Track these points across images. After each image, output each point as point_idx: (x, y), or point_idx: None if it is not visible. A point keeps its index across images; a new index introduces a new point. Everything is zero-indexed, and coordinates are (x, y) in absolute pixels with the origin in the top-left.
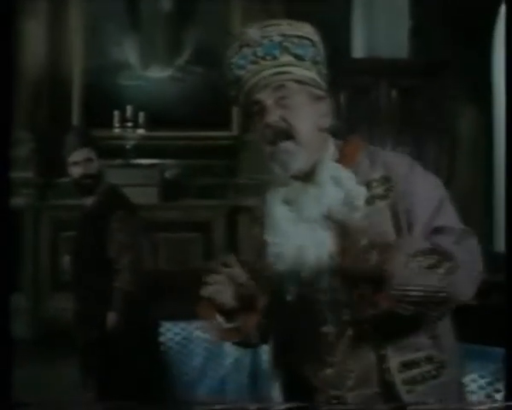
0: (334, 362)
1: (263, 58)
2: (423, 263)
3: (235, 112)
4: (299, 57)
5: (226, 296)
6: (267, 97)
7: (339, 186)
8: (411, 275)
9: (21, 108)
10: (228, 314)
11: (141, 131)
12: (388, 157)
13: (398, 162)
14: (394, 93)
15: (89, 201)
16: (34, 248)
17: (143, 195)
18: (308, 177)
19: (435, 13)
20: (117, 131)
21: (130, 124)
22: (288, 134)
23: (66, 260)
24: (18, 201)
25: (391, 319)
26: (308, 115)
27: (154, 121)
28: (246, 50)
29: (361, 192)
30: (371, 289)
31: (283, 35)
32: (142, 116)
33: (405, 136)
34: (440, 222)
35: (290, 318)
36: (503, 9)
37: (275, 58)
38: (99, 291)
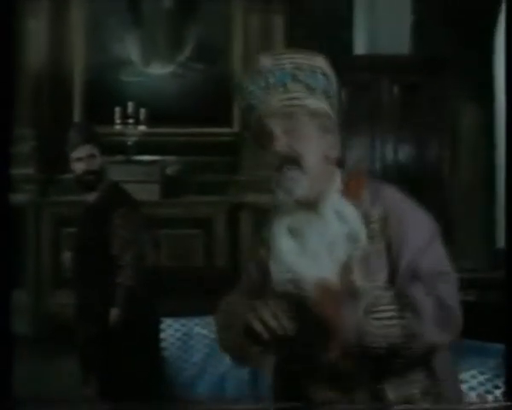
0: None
1: (274, 86)
2: (385, 314)
3: (237, 108)
4: (309, 87)
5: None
6: (276, 125)
7: (343, 221)
8: (367, 328)
9: (23, 104)
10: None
11: (142, 128)
12: (387, 195)
13: (395, 201)
14: (396, 90)
15: (91, 197)
16: (36, 245)
17: (144, 191)
18: (313, 207)
19: (437, 10)
20: (118, 127)
21: (131, 120)
22: (294, 161)
23: (67, 256)
24: (20, 197)
25: (382, 356)
26: (315, 146)
27: (156, 118)
28: (258, 78)
29: (363, 230)
30: (325, 336)
31: (295, 64)
32: (143, 113)
33: (406, 133)
34: (422, 266)
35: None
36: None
37: (285, 87)
38: (101, 287)
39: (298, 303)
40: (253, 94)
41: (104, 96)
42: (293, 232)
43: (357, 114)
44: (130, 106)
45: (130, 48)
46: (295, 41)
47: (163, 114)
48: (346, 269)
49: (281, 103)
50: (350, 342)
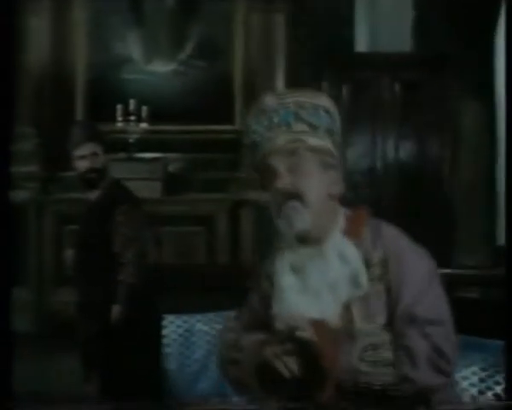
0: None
1: (278, 125)
2: (380, 356)
3: (238, 106)
4: (312, 126)
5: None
6: (279, 163)
7: (345, 263)
8: (362, 369)
9: (25, 102)
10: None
11: (144, 125)
12: (386, 234)
13: (395, 242)
14: (396, 88)
15: (93, 195)
16: (38, 243)
17: (146, 188)
18: (315, 244)
19: (438, 7)
20: (120, 125)
21: (133, 118)
22: (296, 197)
23: (69, 254)
24: (22, 195)
25: (376, 396)
26: (318, 182)
27: (158, 115)
28: (262, 117)
29: (364, 273)
30: (321, 375)
31: (299, 104)
32: (145, 110)
33: (407, 131)
34: (419, 311)
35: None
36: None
37: (289, 126)
38: (103, 285)
39: (298, 342)
40: (257, 133)
41: (106, 94)
42: (296, 269)
43: (357, 111)
44: (132, 103)
45: (131, 46)
46: (296, 40)
47: (165, 111)
48: (345, 310)
49: (284, 142)
50: (345, 382)
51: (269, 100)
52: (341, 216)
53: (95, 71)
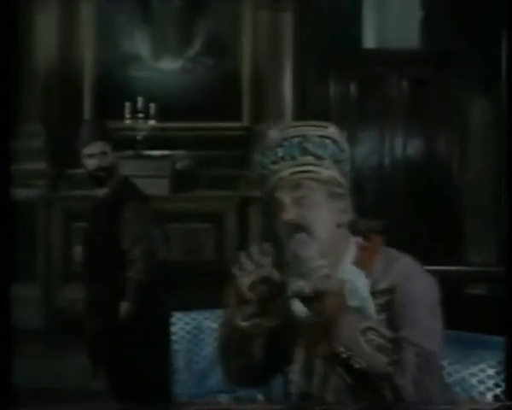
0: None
1: (282, 158)
2: (374, 342)
3: (246, 103)
4: (318, 157)
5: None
6: (285, 196)
7: (354, 295)
8: (357, 343)
9: (33, 100)
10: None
11: (152, 123)
12: (398, 269)
13: (405, 274)
14: (404, 84)
15: (101, 192)
16: (46, 239)
17: (155, 186)
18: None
19: (445, 5)
20: (128, 122)
21: (141, 115)
22: (302, 229)
23: (78, 250)
24: (30, 192)
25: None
26: (325, 213)
27: (165, 112)
28: (267, 151)
29: (372, 305)
30: (317, 332)
31: (303, 136)
32: (153, 107)
33: (415, 127)
34: (416, 338)
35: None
36: None
37: (294, 158)
38: (111, 281)
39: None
40: (264, 166)
41: (114, 92)
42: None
43: (365, 108)
44: (140, 101)
45: (139, 43)
46: (303, 38)
47: (173, 108)
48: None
49: (290, 174)
50: (339, 347)
51: (273, 133)
52: (352, 245)
53: (102, 68)
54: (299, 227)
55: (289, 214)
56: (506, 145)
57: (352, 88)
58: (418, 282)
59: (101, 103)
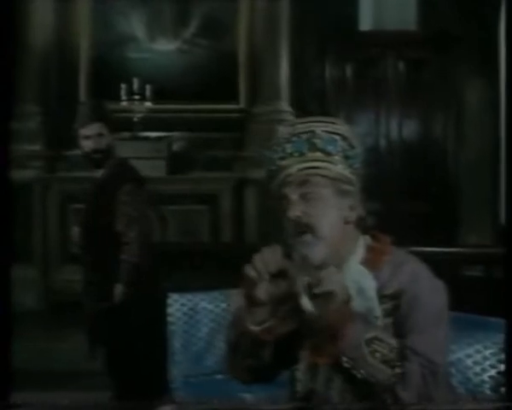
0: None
1: (291, 154)
2: (379, 353)
3: (242, 84)
4: (327, 153)
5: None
6: (292, 192)
7: (361, 296)
8: (361, 354)
9: (30, 81)
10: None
11: (148, 104)
12: (406, 270)
13: (413, 278)
14: (401, 65)
15: (98, 173)
16: (43, 221)
17: (151, 167)
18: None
19: None
20: (124, 104)
21: (137, 97)
22: (308, 227)
23: (75, 231)
24: (27, 173)
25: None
26: (332, 209)
27: (162, 94)
28: (276, 147)
29: (378, 308)
30: (322, 340)
31: (312, 132)
32: (149, 89)
33: (412, 108)
34: (422, 347)
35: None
36: None
37: (302, 154)
38: (106, 263)
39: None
40: (272, 162)
41: (110, 73)
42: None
43: (362, 90)
44: (136, 82)
45: (135, 24)
46: (301, 19)
47: (169, 90)
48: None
49: (298, 170)
50: (345, 355)
51: (282, 130)
52: (361, 245)
53: (99, 50)
54: (305, 226)
55: (296, 211)
56: (506, 127)
57: (349, 69)
58: (426, 286)
59: (98, 85)
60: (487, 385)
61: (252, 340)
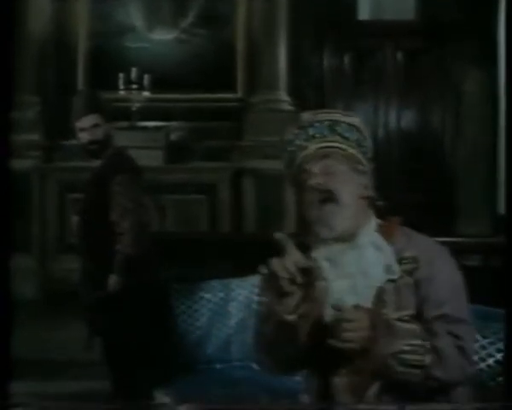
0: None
1: (313, 136)
2: (408, 361)
3: (240, 74)
4: (345, 138)
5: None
6: (314, 165)
7: (379, 251)
8: (388, 367)
9: (27, 71)
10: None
11: (146, 94)
12: (421, 242)
13: (427, 246)
14: (400, 56)
15: (96, 163)
16: (41, 210)
17: (149, 157)
18: (349, 240)
19: None
20: (122, 93)
21: (135, 86)
22: (331, 197)
23: (74, 220)
24: (25, 163)
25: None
26: (350, 183)
27: (160, 83)
28: (299, 131)
29: (396, 265)
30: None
31: (333, 120)
32: (147, 78)
33: (410, 99)
34: (448, 308)
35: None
36: None
37: (324, 136)
38: (103, 253)
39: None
40: (293, 144)
41: (108, 62)
42: (329, 259)
43: (360, 80)
44: (134, 72)
45: (134, 14)
46: (298, 9)
47: (167, 79)
48: (379, 300)
49: (317, 149)
50: (375, 370)
51: (305, 116)
52: (373, 220)
53: (97, 39)
54: (326, 192)
55: (317, 181)
56: (506, 117)
57: (347, 59)
58: (442, 255)
59: (96, 74)
60: (485, 374)
61: (289, 328)
